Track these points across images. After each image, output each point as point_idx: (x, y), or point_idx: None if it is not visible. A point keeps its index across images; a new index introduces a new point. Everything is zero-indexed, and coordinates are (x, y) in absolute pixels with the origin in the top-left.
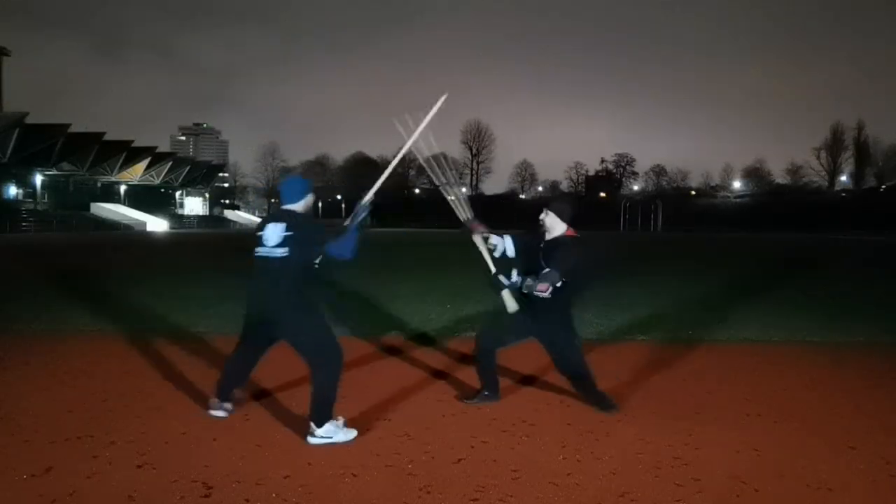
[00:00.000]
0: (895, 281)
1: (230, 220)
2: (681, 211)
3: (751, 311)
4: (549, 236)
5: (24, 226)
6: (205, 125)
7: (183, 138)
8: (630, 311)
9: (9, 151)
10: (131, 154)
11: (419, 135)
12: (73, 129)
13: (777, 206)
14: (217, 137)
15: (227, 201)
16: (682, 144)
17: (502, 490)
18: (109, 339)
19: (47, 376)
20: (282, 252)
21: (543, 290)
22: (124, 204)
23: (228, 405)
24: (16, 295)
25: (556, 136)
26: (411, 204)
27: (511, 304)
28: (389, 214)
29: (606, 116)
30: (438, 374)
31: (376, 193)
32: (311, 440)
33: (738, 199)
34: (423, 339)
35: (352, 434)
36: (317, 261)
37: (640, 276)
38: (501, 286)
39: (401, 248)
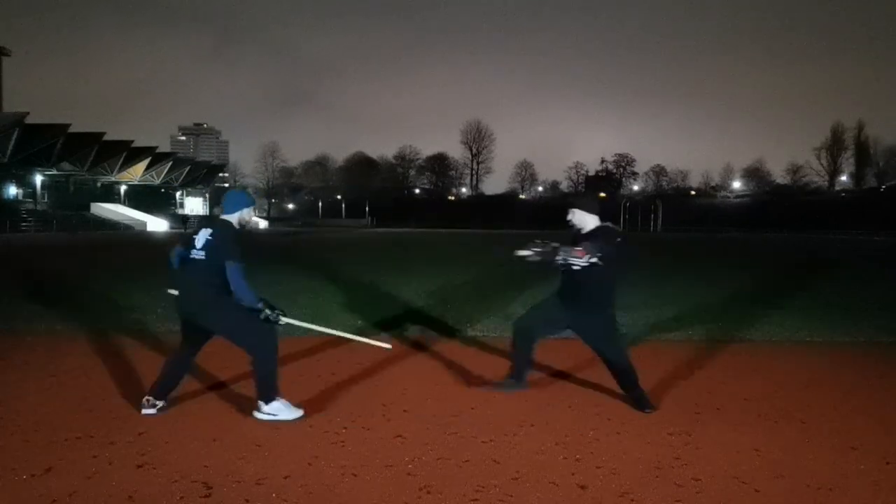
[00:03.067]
0: (895, 281)
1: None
2: (681, 211)
3: (751, 311)
4: (583, 232)
5: (24, 226)
6: (205, 125)
7: (183, 138)
8: (630, 311)
9: (9, 151)
10: (131, 154)
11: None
12: (73, 129)
13: (777, 206)
14: (217, 137)
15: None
16: (682, 144)
17: (502, 490)
18: (109, 339)
19: (47, 376)
20: (201, 255)
21: (580, 255)
22: (124, 204)
23: (160, 403)
24: (16, 295)
25: (556, 136)
26: (411, 204)
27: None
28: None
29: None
30: (438, 374)
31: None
32: (258, 415)
33: (738, 199)
34: (424, 339)
35: (298, 413)
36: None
37: (640, 275)
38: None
39: (400, 248)
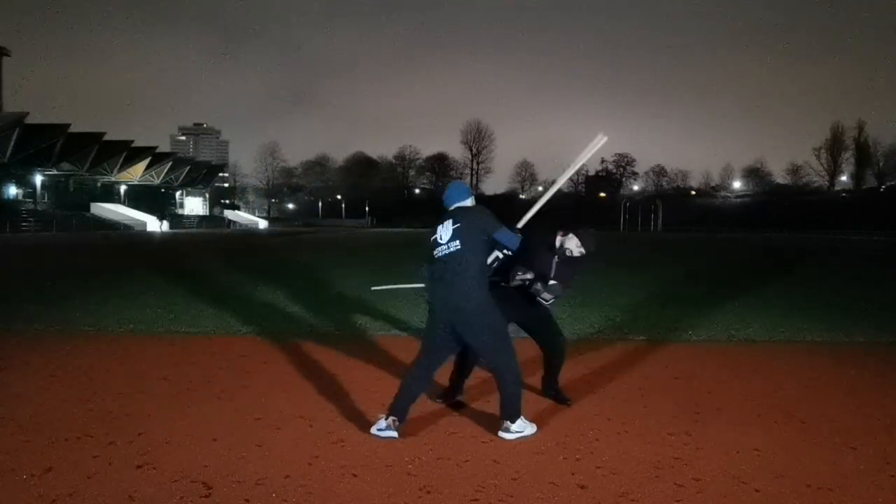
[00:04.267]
0: (894, 281)
1: (230, 220)
2: (681, 211)
3: (751, 311)
4: (561, 256)
5: (24, 226)
6: (205, 125)
7: (183, 138)
8: (629, 311)
9: (9, 151)
10: (131, 154)
11: (574, 171)
12: (73, 129)
13: (777, 206)
14: (217, 137)
15: (228, 201)
16: (682, 144)
17: (502, 490)
18: (109, 339)
19: (47, 376)
20: (455, 246)
21: (548, 300)
22: (124, 204)
23: (399, 423)
24: (16, 294)
25: (556, 136)
26: (411, 204)
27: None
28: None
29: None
30: (438, 375)
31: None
32: (506, 435)
33: (738, 199)
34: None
35: (534, 427)
36: (490, 259)
37: (640, 275)
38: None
39: (401, 248)
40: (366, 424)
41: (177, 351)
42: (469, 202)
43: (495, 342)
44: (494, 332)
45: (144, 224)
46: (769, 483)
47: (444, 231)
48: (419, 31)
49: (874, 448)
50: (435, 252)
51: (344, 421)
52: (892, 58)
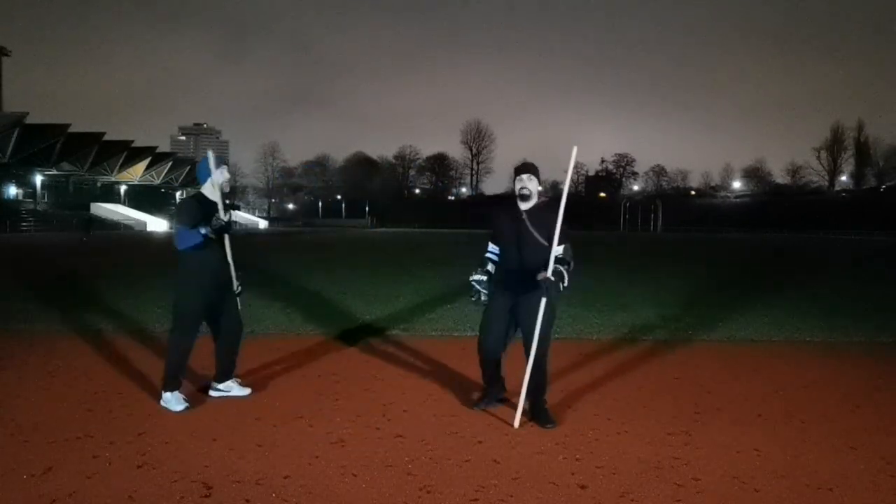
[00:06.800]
0: (894, 281)
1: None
2: (681, 211)
3: (751, 311)
4: (528, 205)
5: (24, 226)
6: (205, 125)
7: (183, 138)
8: (630, 311)
9: (9, 151)
10: (131, 154)
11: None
12: (73, 129)
13: (777, 206)
14: (217, 137)
15: (227, 201)
16: (682, 144)
17: (502, 490)
18: (109, 339)
19: (47, 376)
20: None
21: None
22: (124, 204)
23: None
24: (16, 294)
25: (556, 136)
26: (411, 204)
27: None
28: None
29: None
30: (439, 374)
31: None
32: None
33: (738, 199)
34: (424, 339)
35: (246, 390)
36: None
37: (640, 275)
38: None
39: (401, 247)
40: (366, 424)
41: None
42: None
43: None
44: None
45: (144, 224)
46: (769, 483)
47: None
48: (419, 32)
49: (874, 448)
50: None
51: (344, 421)
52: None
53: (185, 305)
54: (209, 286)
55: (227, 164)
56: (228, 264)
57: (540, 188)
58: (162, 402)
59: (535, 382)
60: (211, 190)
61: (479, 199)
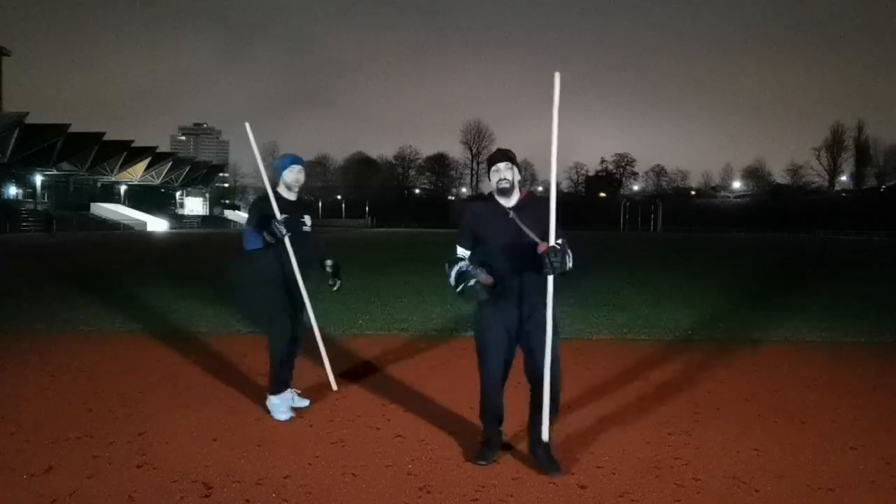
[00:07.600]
0: (895, 281)
1: (230, 220)
2: (681, 211)
3: (751, 311)
4: (511, 200)
5: (25, 226)
6: (205, 125)
7: (183, 138)
8: (630, 311)
9: (9, 151)
10: (131, 154)
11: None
12: (73, 129)
13: (777, 206)
14: (217, 137)
15: (228, 201)
16: (682, 144)
17: (502, 490)
18: (108, 339)
19: (46, 376)
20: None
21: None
22: (124, 204)
23: None
24: (15, 294)
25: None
26: (411, 204)
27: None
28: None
29: (606, 116)
30: (438, 374)
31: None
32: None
33: (738, 199)
34: (424, 339)
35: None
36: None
37: (641, 275)
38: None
39: (401, 248)
40: (366, 424)
41: (177, 351)
42: None
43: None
44: None
45: (145, 224)
46: (769, 483)
47: None
48: (420, 32)
49: (874, 448)
50: None
51: (344, 421)
52: (892, 58)
53: (263, 307)
54: (281, 285)
55: (302, 163)
56: (296, 269)
57: (520, 178)
58: (267, 404)
59: (552, 400)
60: (286, 190)
61: (477, 199)
